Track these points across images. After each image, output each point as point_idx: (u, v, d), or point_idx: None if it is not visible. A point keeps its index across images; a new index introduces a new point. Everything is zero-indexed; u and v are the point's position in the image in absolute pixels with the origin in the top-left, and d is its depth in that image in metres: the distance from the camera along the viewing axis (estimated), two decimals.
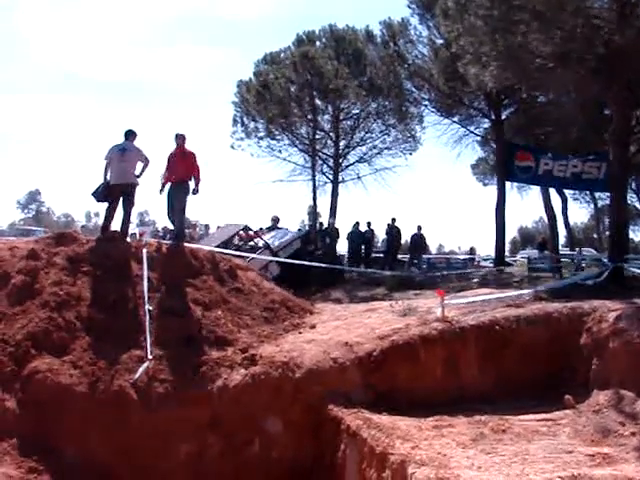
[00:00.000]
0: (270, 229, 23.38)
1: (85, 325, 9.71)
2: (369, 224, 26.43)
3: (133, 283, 10.86)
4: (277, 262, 19.00)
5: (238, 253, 16.83)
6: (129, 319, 10.06)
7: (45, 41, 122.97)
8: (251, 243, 20.84)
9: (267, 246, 20.23)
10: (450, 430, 8.24)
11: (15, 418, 8.26)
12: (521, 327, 10.66)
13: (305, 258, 20.53)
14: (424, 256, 28.63)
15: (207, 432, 8.88)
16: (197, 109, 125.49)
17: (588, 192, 39.09)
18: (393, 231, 25.15)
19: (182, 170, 12.71)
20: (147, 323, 9.82)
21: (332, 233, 25.31)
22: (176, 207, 12.82)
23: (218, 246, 17.78)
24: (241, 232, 21.06)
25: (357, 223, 25.93)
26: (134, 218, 14.48)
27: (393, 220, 25.35)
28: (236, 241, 20.65)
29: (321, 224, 26.46)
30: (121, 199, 12.34)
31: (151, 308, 10.17)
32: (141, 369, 8.93)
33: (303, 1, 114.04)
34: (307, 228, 25.41)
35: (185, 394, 8.92)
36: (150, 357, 9.21)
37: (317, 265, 19.10)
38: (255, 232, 21.77)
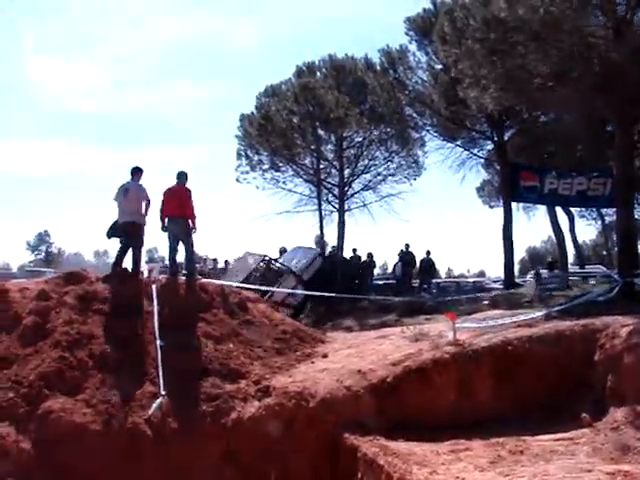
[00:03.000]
0: (283, 251, 23.34)
1: (97, 363, 9.71)
2: (354, 250, 26.65)
3: (144, 319, 10.90)
4: (303, 285, 19.01)
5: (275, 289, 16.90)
6: (141, 355, 10.08)
7: (46, 84, 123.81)
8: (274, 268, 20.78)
9: (291, 271, 20.21)
10: (467, 454, 8.18)
11: (30, 459, 8.23)
12: (534, 346, 10.61)
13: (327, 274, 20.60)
14: (434, 281, 28.59)
15: (223, 465, 8.85)
16: (201, 144, 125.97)
17: (595, 209, 39.06)
18: (407, 257, 25.12)
19: (180, 206, 12.81)
20: (159, 359, 9.82)
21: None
22: (185, 243, 12.89)
23: (244, 280, 17.93)
24: (261, 264, 20.96)
25: (354, 250, 26.06)
26: (143, 255, 14.62)
27: (407, 246, 25.35)
28: (259, 272, 20.55)
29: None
30: (129, 237, 12.45)
31: (162, 343, 10.17)
32: (155, 405, 8.93)
33: (302, 32, 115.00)
34: (354, 257, 25.41)
35: (200, 428, 8.91)
36: (163, 392, 9.21)
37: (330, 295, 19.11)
38: (275, 260, 21.80)
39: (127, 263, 12.62)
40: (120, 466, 8.37)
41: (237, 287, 15.27)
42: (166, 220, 12.96)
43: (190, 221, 12.92)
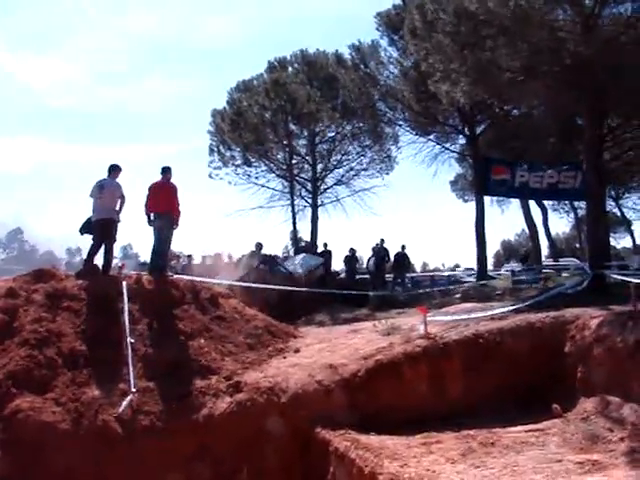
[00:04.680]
0: (259, 247, 23.33)
1: (67, 361, 9.60)
2: (325, 245, 26.51)
3: (114, 316, 10.76)
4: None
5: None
6: (111, 352, 9.96)
7: (20, 80, 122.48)
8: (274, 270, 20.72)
9: (290, 274, 20.18)
10: (438, 446, 8.22)
11: None
12: (505, 339, 10.70)
13: (327, 283, 20.63)
14: (408, 275, 28.64)
15: (195, 462, 8.79)
16: (174, 140, 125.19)
17: (567, 202, 39.39)
18: (381, 252, 25.14)
19: (165, 201, 12.75)
20: (129, 356, 9.73)
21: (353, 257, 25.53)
22: (162, 238, 12.82)
23: (241, 278, 17.94)
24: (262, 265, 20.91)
25: (325, 245, 26.12)
26: (117, 252, 14.51)
27: (382, 241, 25.37)
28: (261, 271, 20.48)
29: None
30: (103, 234, 12.37)
31: (133, 340, 10.09)
32: (125, 402, 8.84)
33: (273, 28, 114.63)
34: (324, 252, 25.34)
35: (171, 425, 8.83)
36: (134, 390, 9.12)
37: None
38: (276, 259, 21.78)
39: (99, 260, 12.54)
40: (90, 464, 8.29)
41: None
42: (152, 215, 12.93)
43: (173, 217, 12.85)
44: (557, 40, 14.92)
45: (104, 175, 12.64)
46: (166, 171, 13.10)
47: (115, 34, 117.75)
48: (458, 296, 19.63)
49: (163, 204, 12.83)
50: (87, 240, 12.70)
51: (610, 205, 38.34)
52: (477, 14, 15.24)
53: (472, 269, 31.25)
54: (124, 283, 11.38)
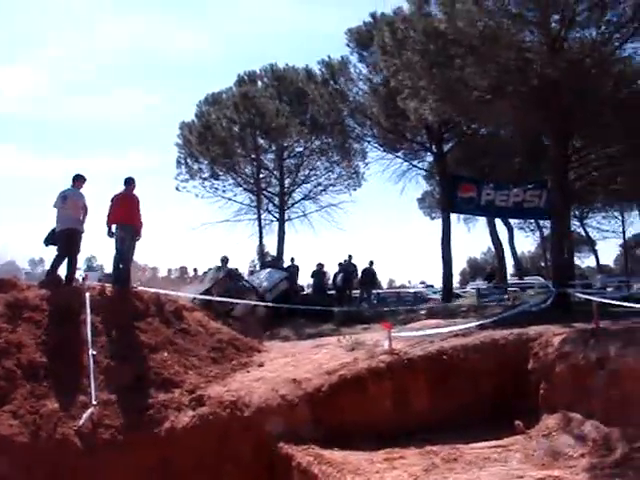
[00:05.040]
0: (225, 261, 23.26)
1: (26, 373, 9.40)
2: (292, 260, 26.47)
3: (77, 328, 10.60)
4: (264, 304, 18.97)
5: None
6: (73, 365, 9.80)
7: None
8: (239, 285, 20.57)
9: (253, 288, 20.10)
10: (401, 462, 8.22)
11: None
12: (469, 356, 10.75)
13: (292, 298, 20.59)
14: (374, 291, 28.68)
15: (156, 476, 8.66)
16: (141, 151, 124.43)
17: (533, 221, 39.82)
18: (350, 268, 25.16)
19: (129, 213, 12.65)
20: (91, 368, 9.59)
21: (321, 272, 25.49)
22: (124, 249, 12.71)
23: (205, 291, 17.84)
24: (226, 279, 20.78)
25: (292, 259, 26.10)
26: (81, 264, 14.34)
27: (350, 257, 25.39)
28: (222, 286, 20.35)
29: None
30: (67, 245, 12.23)
31: (95, 352, 9.95)
32: (85, 415, 8.71)
33: (244, 42, 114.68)
34: (291, 267, 25.27)
35: (132, 438, 8.71)
36: (95, 402, 8.98)
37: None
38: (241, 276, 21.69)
39: (63, 271, 12.38)
40: (48, 478, 8.15)
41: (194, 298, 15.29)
42: (113, 227, 12.83)
43: (135, 228, 12.74)
44: (524, 61, 15.15)
45: (66, 185, 12.52)
46: (129, 182, 12.99)
47: (84, 45, 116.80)
48: (423, 312, 19.69)
49: (125, 215, 12.74)
50: (51, 251, 12.58)
51: (575, 224, 38.88)
52: (446, 33, 15.41)
53: (432, 286, 31.38)
54: (87, 294, 11.23)
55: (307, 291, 26.43)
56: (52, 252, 12.52)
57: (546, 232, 41.24)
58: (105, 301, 11.60)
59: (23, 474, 8.07)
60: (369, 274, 25.66)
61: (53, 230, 12.43)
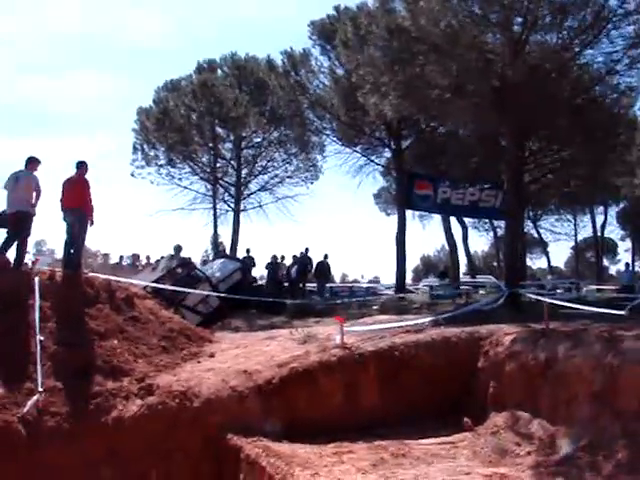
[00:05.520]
0: (178, 249, 23.04)
1: None
2: (248, 250, 26.26)
3: (24, 313, 10.38)
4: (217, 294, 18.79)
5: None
6: (19, 351, 9.60)
7: None
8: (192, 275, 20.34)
9: (206, 278, 19.91)
10: (350, 456, 8.23)
11: None
12: (420, 352, 10.82)
13: (245, 289, 20.45)
14: (327, 285, 28.71)
15: (102, 465, 8.52)
16: (100, 136, 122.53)
17: (487, 220, 40.26)
18: (305, 261, 25.13)
19: (78, 197, 12.44)
20: (38, 354, 9.39)
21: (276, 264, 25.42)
22: (75, 234, 12.51)
23: (157, 279, 17.63)
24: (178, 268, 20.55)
25: (247, 250, 25.96)
26: (31, 247, 14.02)
27: (306, 250, 25.36)
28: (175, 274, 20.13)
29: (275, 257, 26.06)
30: (17, 228, 11.99)
31: (43, 338, 9.75)
32: (30, 402, 8.52)
33: (206, 30, 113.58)
34: (246, 258, 25.07)
35: (78, 427, 8.55)
36: (41, 389, 8.80)
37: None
38: (194, 266, 21.42)
39: (12, 254, 12.15)
40: None
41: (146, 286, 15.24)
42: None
43: (86, 213, 12.53)
44: (486, 61, 15.28)
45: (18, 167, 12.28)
46: (80, 166, 12.76)
47: (35, 26, 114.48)
48: (376, 308, 19.77)
49: (76, 200, 12.50)
50: (1, 233, 12.32)
51: (528, 226, 39.43)
52: (409, 30, 15.45)
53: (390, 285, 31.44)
54: (36, 279, 11.02)
55: (261, 282, 26.28)
56: (2, 234, 12.30)
57: (500, 232, 41.76)
58: (55, 286, 11.39)
59: None
60: (324, 267, 25.67)
61: (3, 212, 12.18)
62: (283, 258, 25.80)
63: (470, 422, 9.43)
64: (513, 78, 14.81)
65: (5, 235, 12.16)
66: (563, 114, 17.17)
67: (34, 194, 12.18)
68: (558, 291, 25.10)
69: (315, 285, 27.18)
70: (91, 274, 13.11)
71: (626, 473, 6.57)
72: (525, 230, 24.53)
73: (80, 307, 11.14)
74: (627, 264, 31.76)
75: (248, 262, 24.86)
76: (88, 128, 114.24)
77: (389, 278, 41.28)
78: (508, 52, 15.32)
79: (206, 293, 18.38)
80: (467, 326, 11.82)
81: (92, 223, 12.71)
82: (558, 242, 48.80)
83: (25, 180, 12.08)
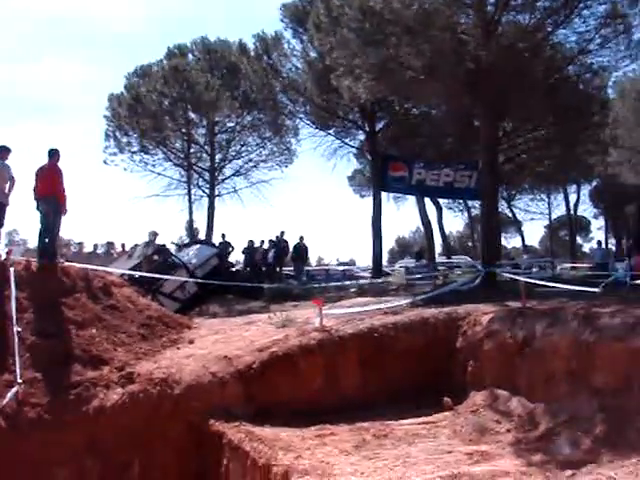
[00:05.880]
0: (189, 245, 22.93)
1: None
2: (223, 236, 26.08)
3: (0, 304, 10.32)
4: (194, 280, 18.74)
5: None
6: None
7: None
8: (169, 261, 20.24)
9: (183, 264, 19.83)
10: (332, 438, 8.28)
11: None
12: (399, 333, 10.89)
13: (223, 274, 20.38)
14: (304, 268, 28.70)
15: (84, 456, 8.53)
16: (69, 124, 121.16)
17: (462, 201, 40.49)
18: (281, 244, 25.09)
19: (51, 185, 12.31)
20: (16, 345, 9.34)
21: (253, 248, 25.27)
22: (49, 223, 12.38)
23: (133, 267, 17.59)
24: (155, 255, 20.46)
25: (223, 235, 25.84)
26: (3, 238, 13.86)
27: (282, 233, 25.30)
28: (152, 262, 20.02)
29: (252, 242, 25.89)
30: None
31: (20, 329, 9.69)
32: (10, 394, 8.48)
33: (176, 15, 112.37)
34: (222, 243, 24.96)
35: (59, 417, 8.53)
36: (20, 381, 8.76)
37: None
38: (170, 253, 21.32)
39: None
40: None
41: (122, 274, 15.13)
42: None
43: (59, 201, 12.39)
44: (459, 43, 15.28)
45: None
46: (53, 154, 12.59)
47: (15, 10, 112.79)
48: (353, 290, 19.84)
49: (49, 188, 12.35)
50: None
51: (502, 206, 39.63)
52: (382, 12, 15.40)
53: (368, 266, 31.49)
54: (12, 269, 10.92)
55: (238, 267, 26.22)
56: None
57: (475, 212, 42.00)
58: (31, 276, 11.29)
59: None
60: (301, 249, 25.62)
61: None
62: (263, 243, 25.58)
63: (450, 401, 9.51)
64: (486, 59, 14.82)
65: None
66: (536, 94, 17.25)
67: (7, 184, 12.05)
68: (534, 270, 25.34)
69: (292, 269, 27.18)
70: (67, 263, 13.03)
71: (605, 447, 6.66)
72: (499, 210, 24.65)
73: (57, 297, 11.06)
74: (599, 242, 32.21)
75: (224, 247, 24.80)
76: (59, 115, 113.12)
77: (365, 260, 41.43)
78: (481, 33, 15.32)
79: (183, 279, 18.35)
80: (445, 307, 11.90)
81: (65, 212, 12.58)
82: (532, 221, 49.30)
83: None
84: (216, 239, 27.59)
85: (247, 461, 7.67)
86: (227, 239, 25.50)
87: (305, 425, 8.79)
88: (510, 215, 45.85)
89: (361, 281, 23.70)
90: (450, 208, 44.09)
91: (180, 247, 24.44)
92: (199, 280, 18.89)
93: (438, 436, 8.32)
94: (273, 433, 8.36)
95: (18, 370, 8.94)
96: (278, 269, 25.37)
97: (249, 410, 9.21)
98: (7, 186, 12.05)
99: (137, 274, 16.69)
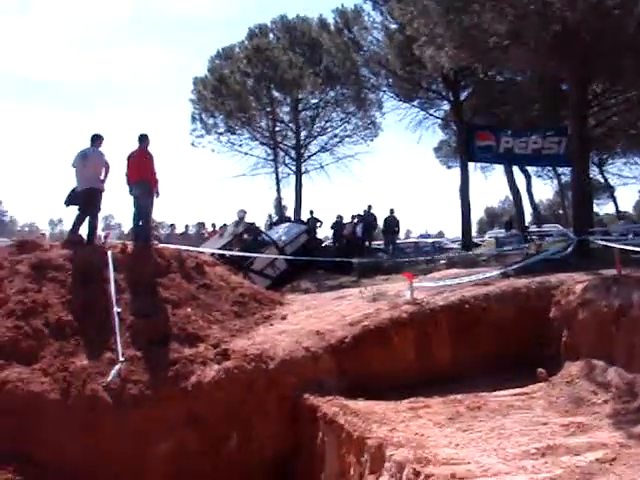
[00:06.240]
0: (277, 223, 23.30)
1: (54, 331, 9.54)
2: (311, 212, 26.21)
3: (100, 286, 10.69)
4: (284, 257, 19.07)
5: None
6: (98, 322, 9.91)
7: None
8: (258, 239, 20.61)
9: (273, 242, 20.18)
10: (426, 411, 8.30)
11: None
12: (490, 304, 10.77)
13: (312, 251, 20.67)
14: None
15: (184, 430, 8.79)
16: (156, 108, 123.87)
17: (551, 168, 39.52)
18: (369, 218, 25.07)
19: (143, 170, 12.65)
20: (116, 325, 9.69)
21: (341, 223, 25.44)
22: (142, 206, 12.75)
23: (224, 246, 17.97)
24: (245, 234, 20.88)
25: (311, 212, 25.98)
26: (100, 222, 14.38)
27: (369, 207, 25.28)
28: (242, 240, 20.45)
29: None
30: (87, 204, 12.30)
31: (120, 310, 10.04)
32: (113, 371, 8.82)
33: None
34: (311, 219, 25.27)
35: (159, 393, 8.81)
36: (122, 359, 9.09)
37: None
38: (260, 230, 21.73)
39: (84, 230, 12.48)
40: (79, 434, 8.29)
41: (213, 253, 15.44)
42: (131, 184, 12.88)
43: (151, 185, 12.75)
44: (543, 4, 14.80)
45: (84, 144, 12.55)
46: (143, 139, 12.95)
47: (90, 1, 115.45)
48: (443, 262, 19.68)
49: (141, 173, 12.72)
50: (70, 211, 12.66)
51: (593, 171, 38.45)
52: None
53: (457, 238, 31.19)
54: (109, 253, 11.31)
55: (327, 243, 26.40)
56: (72, 212, 12.64)
57: (565, 179, 40.89)
58: (127, 259, 11.68)
59: (55, 430, 8.24)
60: (393, 222, 25.48)
61: (73, 190, 12.49)
62: (354, 217, 25.54)
63: (544, 372, 9.35)
64: (573, 19, 14.36)
65: (77, 212, 12.49)
66: (628, 53, 16.58)
67: (103, 170, 12.45)
68: (629, 237, 24.54)
69: (381, 243, 27.13)
70: (161, 245, 13.40)
71: None
72: (591, 176, 23.96)
73: (153, 278, 11.40)
74: None
75: (313, 223, 24.96)
76: (145, 100, 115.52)
77: (454, 232, 41.03)
78: None
79: (273, 257, 18.60)
80: (536, 276, 11.70)
81: (158, 195, 12.93)
82: (626, 186, 47.60)
83: (93, 157, 12.35)
84: (304, 216, 27.82)
85: (342, 434, 7.74)
86: (315, 215, 25.67)
87: (398, 398, 8.83)
88: (602, 181, 44.41)
89: (450, 253, 23.47)
90: (539, 176, 43.12)
91: (271, 225, 24.77)
92: (288, 257, 19.10)
93: (533, 407, 8.22)
94: (367, 406, 8.43)
95: (120, 349, 9.27)
96: (367, 243, 25.37)
97: (342, 384, 9.30)
98: (102, 172, 12.44)
99: (228, 253, 16.99)
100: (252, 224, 21.55)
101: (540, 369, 9.42)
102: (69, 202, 12.55)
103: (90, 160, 12.27)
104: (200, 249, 15.20)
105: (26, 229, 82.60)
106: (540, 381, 9.24)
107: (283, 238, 21.13)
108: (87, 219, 12.40)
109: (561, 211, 49.42)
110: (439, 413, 8.14)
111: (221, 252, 16.54)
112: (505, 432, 7.13)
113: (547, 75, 20.03)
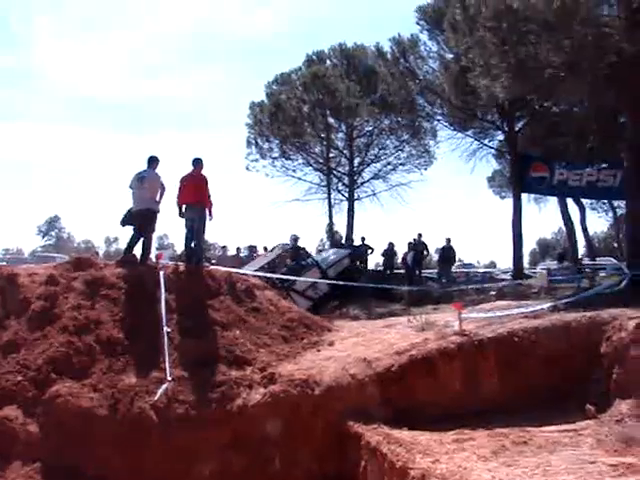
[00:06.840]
0: (295, 240, 23.52)
1: (104, 348, 9.77)
2: (363, 239, 26.38)
3: (151, 305, 10.90)
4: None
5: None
6: (148, 341, 10.11)
7: (61, 69, 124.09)
8: (302, 262, 20.79)
9: (316, 264, 20.31)
10: (471, 443, 8.18)
11: (38, 442, 8.33)
12: (540, 338, 10.59)
13: (355, 274, 20.74)
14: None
15: (228, 451, 8.87)
16: (213, 131, 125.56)
17: (606, 201, 38.92)
18: (419, 247, 25.04)
19: (198, 193, 12.86)
20: (165, 345, 9.86)
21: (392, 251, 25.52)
22: (196, 228, 12.95)
23: (262, 266, 18.58)
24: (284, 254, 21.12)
25: (363, 239, 26.02)
26: (154, 242, 14.65)
27: (419, 235, 25.26)
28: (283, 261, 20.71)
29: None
30: (142, 225, 12.57)
31: (169, 330, 10.21)
32: (160, 390, 8.96)
33: (314, 21, 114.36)
34: (362, 246, 25.48)
35: (205, 414, 8.93)
36: (169, 378, 9.24)
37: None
38: (304, 251, 21.91)
39: (138, 250, 12.75)
40: (126, 451, 8.43)
41: (253, 275, 15.49)
42: (183, 207, 13.08)
43: (206, 208, 12.95)
44: (600, 36, 14.70)
45: (140, 166, 12.86)
46: (197, 163, 13.21)
47: (159, 24, 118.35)
48: (493, 293, 19.51)
49: (194, 196, 12.94)
50: (126, 230, 12.95)
51: None
52: (519, 10, 15.10)
53: (509, 268, 30.86)
54: (161, 273, 11.52)
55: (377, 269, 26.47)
56: (128, 231, 12.92)
57: (620, 212, 40.18)
58: (179, 279, 11.87)
59: (102, 445, 8.39)
60: (448, 252, 25.36)
61: (129, 210, 12.77)
62: (410, 245, 25.60)
63: (593, 409, 9.18)
64: (630, 50, 14.22)
65: (132, 232, 12.76)
66: None
67: (159, 192, 12.72)
68: None
69: (433, 271, 27.02)
70: (212, 267, 13.57)
71: None
72: None
73: (203, 299, 11.58)
74: None
75: (362, 250, 25.01)
76: (202, 124, 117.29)
77: (505, 262, 40.60)
78: (624, 24, 14.71)
79: (312, 280, 18.72)
80: (588, 310, 11.50)
81: (212, 218, 13.12)
82: None
83: (149, 179, 12.65)
84: (356, 242, 27.91)
85: (385, 463, 7.71)
86: (367, 242, 25.70)
87: (443, 429, 8.72)
88: None
89: (501, 284, 23.24)
90: (594, 208, 42.44)
91: (320, 250, 24.98)
92: (327, 281, 19.19)
93: (580, 445, 8.04)
94: (411, 436, 8.37)
95: (168, 368, 9.42)
96: (417, 271, 25.30)
97: (387, 413, 9.26)
98: (158, 194, 12.70)
99: (270, 276, 17.12)
100: (303, 249, 21.71)
101: (589, 406, 9.23)
102: (125, 222, 12.85)
103: (147, 182, 12.56)
104: (242, 271, 15.34)
105: (82, 245, 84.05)
106: (589, 418, 9.05)
107: (329, 259, 21.28)
108: (142, 239, 12.65)
109: (615, 244, 48.48)
110: (484, 446, 8.02)
111: (259, 274, 16.64)
112: (551, 469, 6.99)
113: (603, 106, 19.79)
